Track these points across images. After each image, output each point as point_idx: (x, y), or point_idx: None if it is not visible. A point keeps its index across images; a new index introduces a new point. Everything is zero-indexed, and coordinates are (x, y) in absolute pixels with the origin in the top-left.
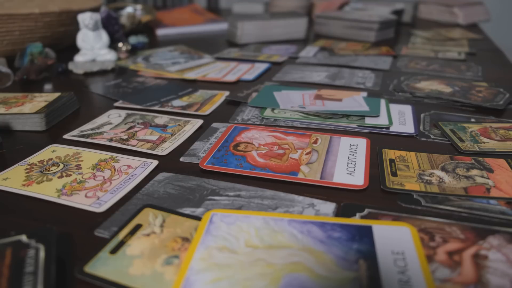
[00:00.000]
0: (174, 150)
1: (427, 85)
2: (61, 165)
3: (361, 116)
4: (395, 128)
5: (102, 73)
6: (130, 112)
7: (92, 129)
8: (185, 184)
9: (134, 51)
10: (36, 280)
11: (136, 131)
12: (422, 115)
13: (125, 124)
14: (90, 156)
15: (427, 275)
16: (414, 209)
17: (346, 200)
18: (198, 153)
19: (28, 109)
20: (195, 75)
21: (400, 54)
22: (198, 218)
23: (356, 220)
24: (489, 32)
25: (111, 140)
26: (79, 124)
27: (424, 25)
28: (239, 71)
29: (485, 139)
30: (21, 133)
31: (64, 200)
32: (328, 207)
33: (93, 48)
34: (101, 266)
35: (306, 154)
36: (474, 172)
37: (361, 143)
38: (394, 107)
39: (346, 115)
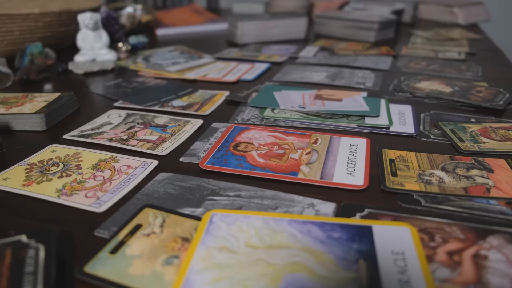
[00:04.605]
0: (174, 150)
1: (427, 85)
2: (61, 165)
3: (361, 116)
4: (395, 128)
5: (102, 73)
6: (130, 112)
7: (92, 129)
8: (185, 184)
9: (134, 51)
10: (36, 280)
11: (136, 131)
12: (422, 115)
13: (125, 124)
14: (90, 156)
15: (427, 275)
16: (414, 209)
17: (346, 200)
18: (198, 153)
19: (28, 109)
20: (195, 75)
21: (400, 54)
22: (198, 218)
23: (356, 220)
24: (489, 32)
25: (111, 140)
26: (79, 124)
27: (424, 25)
28: (239, 71)
29: (485, 139)
30: (21, 133)
31: (64, 200)
32: (328, 207)
33: (93, 48)
34: (101, 266)
35: (306, 154)
36: (474, 172)
37: (361, 143)
38: (394, 107)
39: (346, 115)
